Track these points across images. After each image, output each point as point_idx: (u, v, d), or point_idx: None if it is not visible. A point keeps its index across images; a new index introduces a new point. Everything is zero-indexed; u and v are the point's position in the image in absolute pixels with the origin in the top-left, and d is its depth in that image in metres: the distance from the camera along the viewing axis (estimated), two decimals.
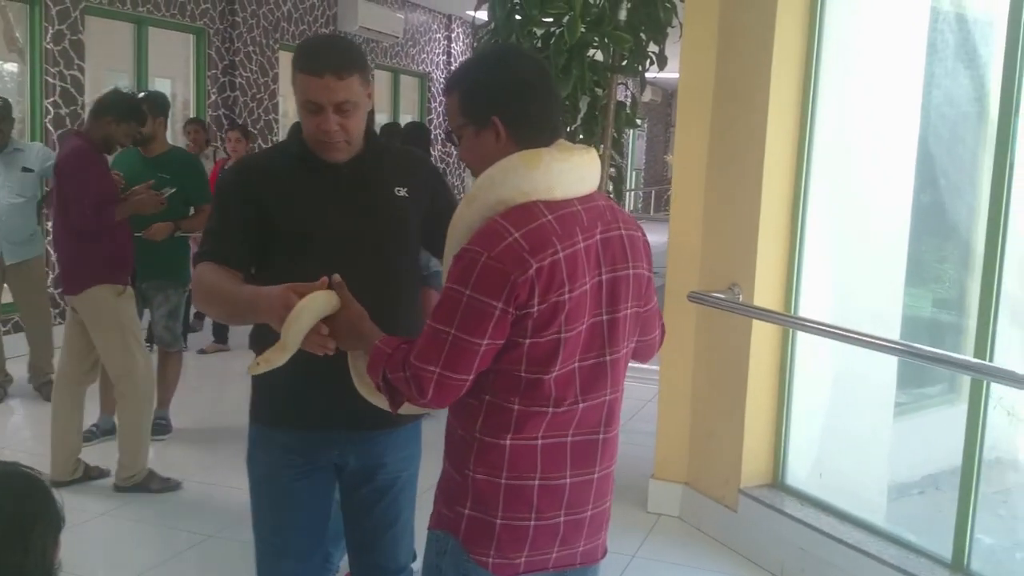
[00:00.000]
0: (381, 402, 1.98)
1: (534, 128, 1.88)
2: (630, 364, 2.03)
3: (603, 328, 1.88)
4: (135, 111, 4.73)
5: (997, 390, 3.35)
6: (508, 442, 1.84)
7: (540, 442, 1.85)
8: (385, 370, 1.85)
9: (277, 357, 1.96)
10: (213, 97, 9.37)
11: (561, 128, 1.97)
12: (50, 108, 7.37)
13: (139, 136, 5.02)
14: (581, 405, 1.88)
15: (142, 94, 5.42)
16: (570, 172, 1.86)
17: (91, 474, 4.61)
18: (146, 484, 4.53)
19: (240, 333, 6.23)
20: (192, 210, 5.17)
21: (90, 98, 7.98)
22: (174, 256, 5.22)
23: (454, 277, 1.79)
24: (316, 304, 1.97)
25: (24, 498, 1.56)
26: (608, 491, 2.00)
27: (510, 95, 1.87)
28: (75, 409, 4.62)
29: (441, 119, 13.88)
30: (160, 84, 8.91)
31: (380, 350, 1.88)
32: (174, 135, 8.10)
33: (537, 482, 1.86)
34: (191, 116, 8.88)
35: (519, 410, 1.83)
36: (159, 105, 5.20)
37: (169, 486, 4.57)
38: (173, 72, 9.31)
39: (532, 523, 1.87)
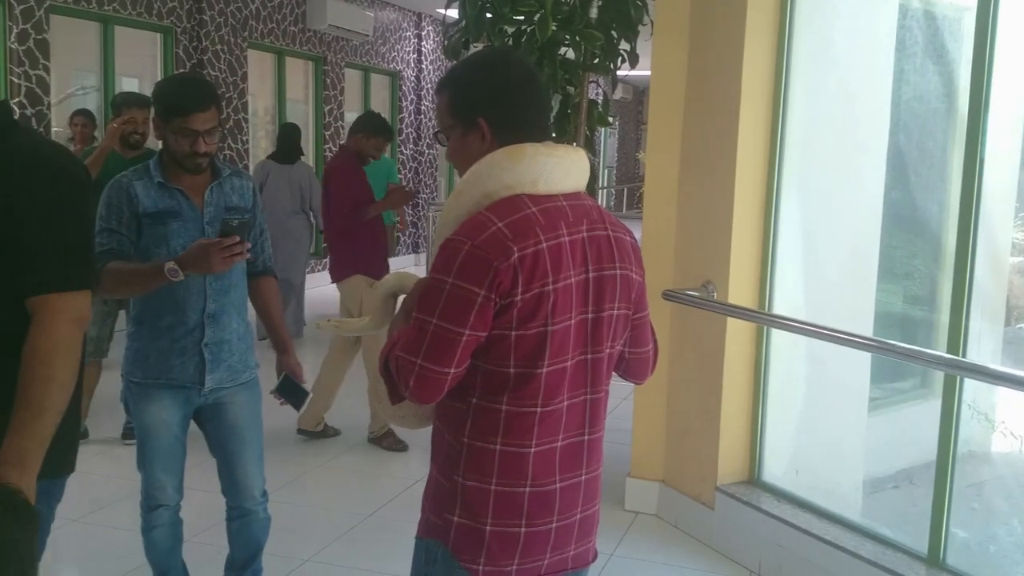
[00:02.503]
0: (388, 414, 2.04)
1: (519, 131, 1.88)
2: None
3: (587, 326, 1.87)
4: (382, 127, 5.52)
5: (969, 394, 3.38)
6: (498, 447, 1.83)
7: (533, 450, 1.84)
8: (387, 357, 1.85)
9: (349, 324, 2.24)
10: None
11: (549, 132, 1.96)
12: (15, 109, 7.26)
13: (136, 139, 5.25)
14: (565, 404, 1.87)
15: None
16: (555, 166, 1.86)
17: (327, 432, 5.49)
18: (380, 440, 5.36)
19: None
20: None
21: (56, 98, 7.89)
22: None
23: (437, 267, 1.79)
24: (389, 281, 2.15)
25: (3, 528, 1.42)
26: (596, 494, 1.99)
27: (497, 98, 1.88)
28: (336, 372, 5.40)
29: (411, 118, 13.82)
30: (127, 84, 8.80)
31: (394, 337, 1.88)
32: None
33: (528, 489, 1.85)
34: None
35: (507, 411, 1.82)
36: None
37: (399, 447, 5.32)
38: (140, 71, 9.21)
39: (523, 530, 1.86)
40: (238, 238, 2.77)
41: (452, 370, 1.77)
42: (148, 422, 3.02)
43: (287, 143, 7.81)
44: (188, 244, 2.87)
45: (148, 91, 9.16)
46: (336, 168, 5.44)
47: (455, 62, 4.54)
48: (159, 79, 9.00)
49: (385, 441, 5.33)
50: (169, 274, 2.76)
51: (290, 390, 3.20)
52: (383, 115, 6.96)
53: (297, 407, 3.26)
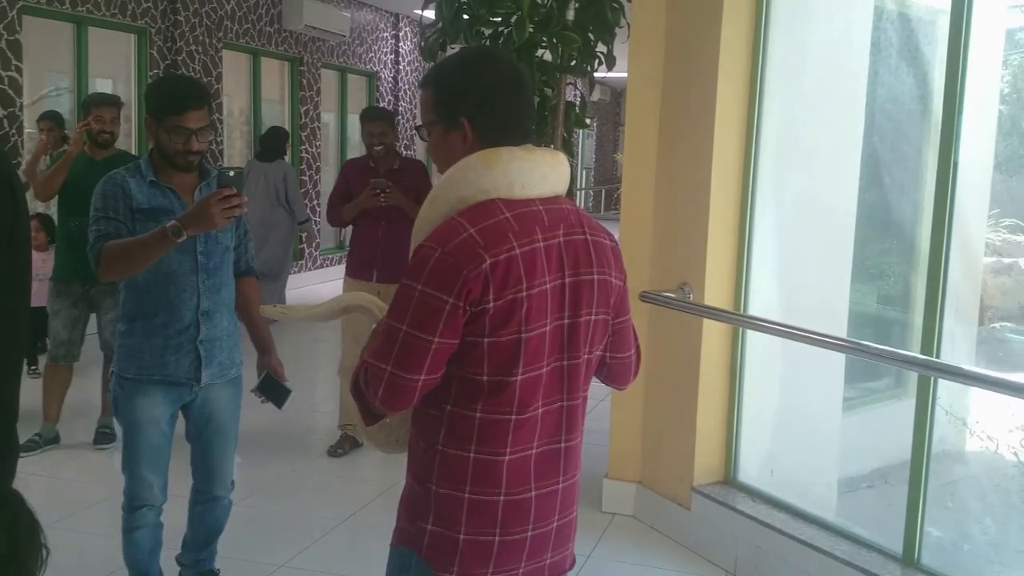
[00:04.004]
0: (377, 442, 2.05)
1: (501, 133, 1.85)
2: None
3: (564, 332, 1.85)
4: (362, 114, 5.49)
5: (943, 394, 3.40)
6: (472, 455, 1.81)
7: (507, 458, 1.82)
8: (357, 375, 1.83)
9: (296, 310, 2.26)
10: None
11: (531, 134, 1.94)
12: None
13: (105, 137, 5.13)
14: (540, 411, 1.85)
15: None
16: (531, 171, 1.83)
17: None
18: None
19: None
20: None
21: (29, 99, 7.81)
22: None
23: (408, 273, 1.77)
24: (357, 296, 2.16)
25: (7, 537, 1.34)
26: (573, 501, 1.97)
27: (481, 99, 1.85)
28: None
29: None
30: (101, 85, 8.72)
31: (361, 359, 1.85)
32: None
33: (502, 498, 1.83)
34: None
35: (481, 418, 1.80)
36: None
37: (337, 453, 5.24)
38: (114, 72, 9.12)
39: (497, 538, 1.84)
40: (235, 190, 2.80)
41: (422, 377, 1.75)
42: (138, 418, 3.05)
43: (269, 143, 8.63)
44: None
45: (122, 92, 9.10)
46: None
47: (433, 63, 4.53)
48: (137, 80, 8.97)
49: (336, 445, 5.26)
50: (171, 233, 2.79)
51: (271, 388, 3.24)
52: (324, 112, 7.19)
53: (279, 405, 3.29)
